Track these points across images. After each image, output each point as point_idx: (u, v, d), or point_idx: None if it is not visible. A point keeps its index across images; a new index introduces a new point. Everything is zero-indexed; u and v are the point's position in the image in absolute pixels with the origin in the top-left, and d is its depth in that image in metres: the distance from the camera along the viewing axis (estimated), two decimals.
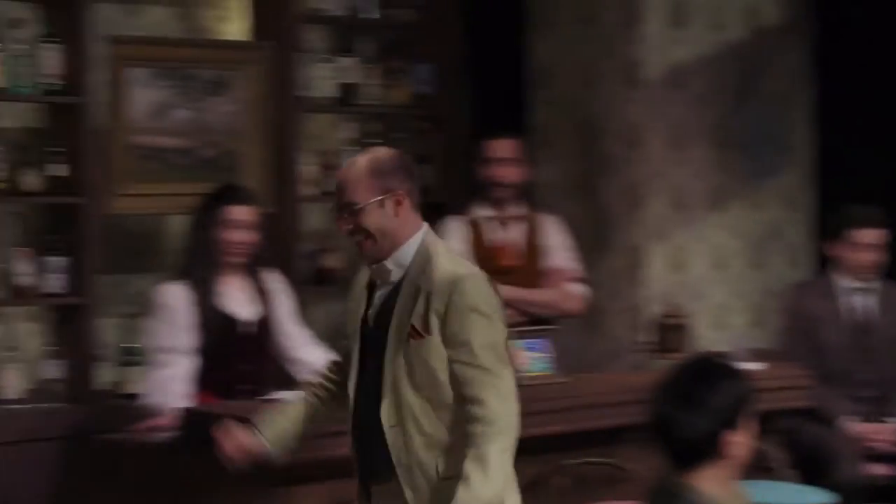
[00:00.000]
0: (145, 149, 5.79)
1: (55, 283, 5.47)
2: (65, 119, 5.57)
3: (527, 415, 3.36)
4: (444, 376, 3.50)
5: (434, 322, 3.49)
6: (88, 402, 5.45)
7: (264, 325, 5.02)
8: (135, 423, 4.79)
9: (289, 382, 4.94)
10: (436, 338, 3.49)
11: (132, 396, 5.27)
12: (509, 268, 5.52)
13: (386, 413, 3.54)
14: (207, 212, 4.93)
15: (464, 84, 6.53)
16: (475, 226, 5.60)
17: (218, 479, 4.31)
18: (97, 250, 5.55)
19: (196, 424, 4.46)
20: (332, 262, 6.28)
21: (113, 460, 4.81)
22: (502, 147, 5.58)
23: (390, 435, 3.54)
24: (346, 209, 3.57)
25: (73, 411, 5.40)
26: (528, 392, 4.74)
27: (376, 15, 6.41)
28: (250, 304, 5.01)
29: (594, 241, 6.39)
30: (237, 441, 3.83)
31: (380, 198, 3.56)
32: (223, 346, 4.92)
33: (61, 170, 5.50)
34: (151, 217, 5.96)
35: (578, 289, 5.66)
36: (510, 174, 5.58)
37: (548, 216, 5.76)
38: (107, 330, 5.67)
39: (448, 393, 3.51)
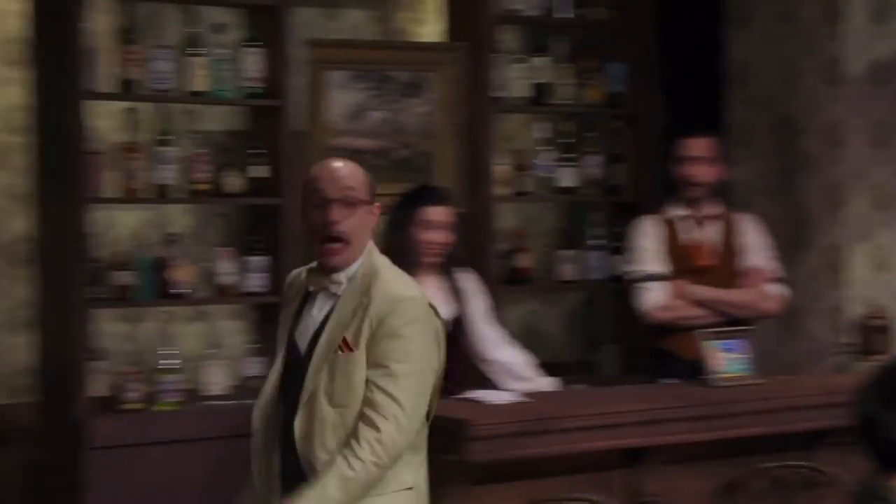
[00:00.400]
0: (342, 150, 5.87)
1: (256, 281, 5.59)
2: (265, 122, 5.69)
3: (724, 416, 3.31)
4: (361, 395, 3.38)
5: (364, 338, 3.38)
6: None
7: (458, 325, 5.05)
8: None
9: (483, 382, 4.97)
10: (362, 354, 3.38)
11: None
12: (705, 267, 5.44)
13: (298, 425, 3.40)
14: (404, 212, 4.98)
15: (657, 82, 6.47)
16: (670, 225, 5.54)
17: None
18: (296, 250, 5.64)
19: None
20: (525, 261, 6.28)
21: None
22: (696, 146, 5.51)
23: (300, 447, 3.40)
24: (345, 200, 3.42)
25: None
26: (725, 393, 4.72)
27: (570, 14, 6.39)
28: (444, 304, 5.04)
29: (793, 240, 6.28)
30: None
31: (371, 203, 3.50)
32: None
33: (262, 171, 5.62)
34: None
35: (776, 289, 5.55)
36: (704, 173, 5.50)
37: (745, 215, 5.66)
38: None
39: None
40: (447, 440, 4.25)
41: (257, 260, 5.60)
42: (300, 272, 3.61)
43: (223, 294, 5.56)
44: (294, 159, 5.64)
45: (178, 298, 5.42)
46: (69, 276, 5.07)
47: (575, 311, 6.71)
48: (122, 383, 5.21)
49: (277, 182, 5.62)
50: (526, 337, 6.06)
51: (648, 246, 5.46)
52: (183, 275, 5.39)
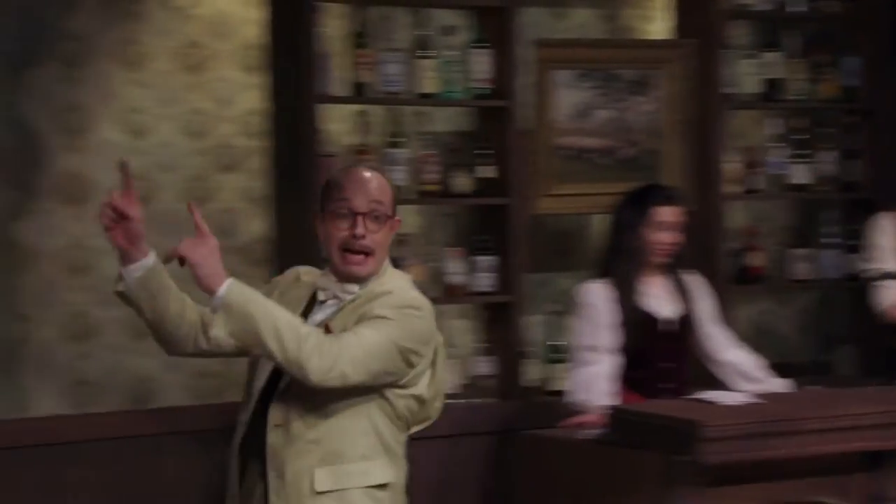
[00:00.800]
0: (568, 149, 5.87)
1: (485, 281, 5.63)
2: (493, 122, 5.72)
3: None
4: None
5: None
6: (517, 398, 5.57)
7: (685, 324, 4.99)
8: (562, 419, 4.86)
9: (711, 383, 4.90)
10: None
11: (559, 393, 5.35)
12: None
13: (274, 411, 3.36)
14: (634, 212, 4.95)
15: (894, 76, 6.28)
16: None
17: (645, 477, 4.33)
18: (523, 249, 5.66)
19: (623, 423, 4.48)
20: (757, 260, 6.17)
21: (540, 456, 4.88)
22: None
23: (272, 436, 3.35)
24: (372, 214, 3.40)
25: (502, 407, 5.53)
26: None
27: (803, 8, 6.26)
28: (671, 303, 4.99)
29: None
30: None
31: (394, 217, 3.48)
32: (644, 345, 4.93)
33: (489, 171, 5.65)
34: (574, 216, 6.03)
35: None
36: None
37: None
38: (534, 327, 5.78)
39: (345, 396, 3.34)
40: (678, 441, 4.21)
41: (485, 259, 5.63)
42: (298, 274, 3.59)
43: (452, 293, 5.61)
44: (520, 159, 5.65)
45: None
46: None
47: (809, 310, 6.57)
48: None
49: (505, 182, 5.64)
50: (757, 337, 5.96)
51: (886, 243, 5.32)
52: (414, 275, 5.45)
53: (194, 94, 5.47)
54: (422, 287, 5.40)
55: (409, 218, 5.86)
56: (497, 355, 5.62)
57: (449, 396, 5.44)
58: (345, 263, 3.40)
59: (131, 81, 5.38)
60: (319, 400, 3.33)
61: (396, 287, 3.44)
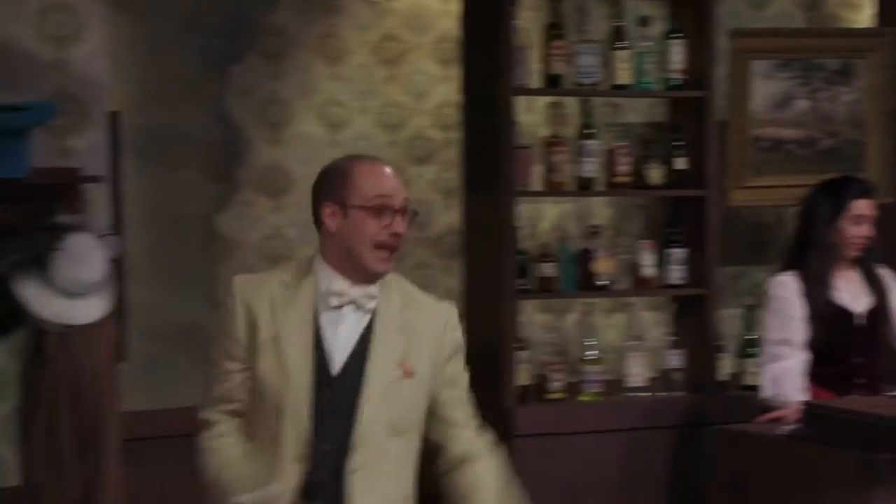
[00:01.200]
0: (765, 140, 5.79)
1: (677, 274, 5.60)
2: (687, 113, 5.68)
3: None
4: (422, 419, 3.25)
5: (425, 359, 3.20)
6: (707, 392, 5.53)
7: (876, 318, 4.90)
8: (755, 414, 4.81)
9: None
10: (423, 377, 3.21)
11: (751, 388, 5.30)
12: None
13: (356, 462, 3.14)
14: (829, 204, 4.87)
15: None
16: None
17: (842, 475, 4.26)
18: (717, 242, 5.61)
19: (819, 419, 4.43)
20: None
21: (734, 451, 4.83)
22: None
23: (357, 483, 3.14)
24: (404, 210, 3.19)
25: (692, 400, 5.50)
26: None
27: None
28: (862, 297, 4.90)
29: None
30: None
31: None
32: (837, 340, 4.85)
33: (683, 163, 5.61)
34: (770, 209, 5.96)
35: None
36: None
37: None
38: (727, 321, 5.73)
39: (420, 439, 3.24)
40: (878, 438, 4.13)
41: (677, 252, 5.60)
42: (267, 284, 3.24)
43: (643, 286, 5.60)
44: (715, 150, 5.60)
45: (600, 290, 5.49)
46: (497, 268, 5.23)
47: None
48: (546, 373, 5.34)
49: (699, 173, 5.60)
50: None
51: None
52: (604, 266, 5.46)
53: (391, 87, 5.57)
54: (614, 279, 5.49)
55: (601, 210, 5.88)
56: (687, 348, 5.59)
57: (637, 389, 5.47)
58: (377, 262, 3.17)
59: (330, 75, 5.50)
60: (406, 445, 3.24)
61: (405, 287, 3.30)
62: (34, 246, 4.24)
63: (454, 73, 5.60)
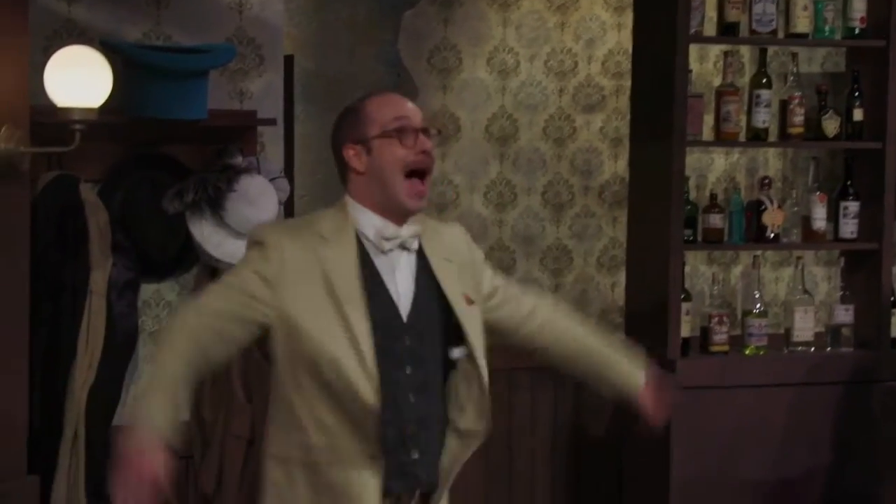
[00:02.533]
0: None
1: (849, 228, 5.49)
2: (867, 62, 5.53)
3: None
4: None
5: (470, 284, 3.14)
6: (877, 349, 5.43)
7: None
8: None
9: None
10: (477, 301, 3.15)
11: None
12: None
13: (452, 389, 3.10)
14: None
15: None
16: None
17: None
18: (893, 196, 5.48)
19: None
20: None
21: None
22: None
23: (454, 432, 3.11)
24: (427, 131, 3.08)
25: (860, 357, 5.41)
26: None
27: None
28: None
29: None
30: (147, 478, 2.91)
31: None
32: None
33: (860, 114, 5.48)
34: None
35: None
36: None
37: None
38: None
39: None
40: None
41: (850, 205, 5.49)
42: (303, 235, 3.05)
43: (814, 239, 5.50)
44: (894, 102, 5.46)
45: (769, 242, 5.41)
46: (664, 218, 5.19)
47: None
48: (710, 325, 5.29)
49: (876, 125, 5.47)
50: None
51: None
52: (774, 219, 5.38)
53: (561, 34, 5.55)
54: (783, 232, 5.40)
55: (773, 161, 5.78)
56: (857, 304, 5.49)
57: (804, 344, 5.39)
58: (411, 197, 3.04)
59: (501, 21, 5.49)
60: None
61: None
62: (209, 186, 4.34)
63: (626, 20, 5.55)
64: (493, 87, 5.44)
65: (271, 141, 4.57)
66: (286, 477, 3.05)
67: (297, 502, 3.04)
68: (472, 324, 3.09)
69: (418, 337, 3.06)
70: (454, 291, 3.08)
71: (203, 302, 3.07)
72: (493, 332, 3.21)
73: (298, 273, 3.00)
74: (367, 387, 2.96)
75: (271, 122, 4.45)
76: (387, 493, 3.03)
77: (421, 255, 3.09)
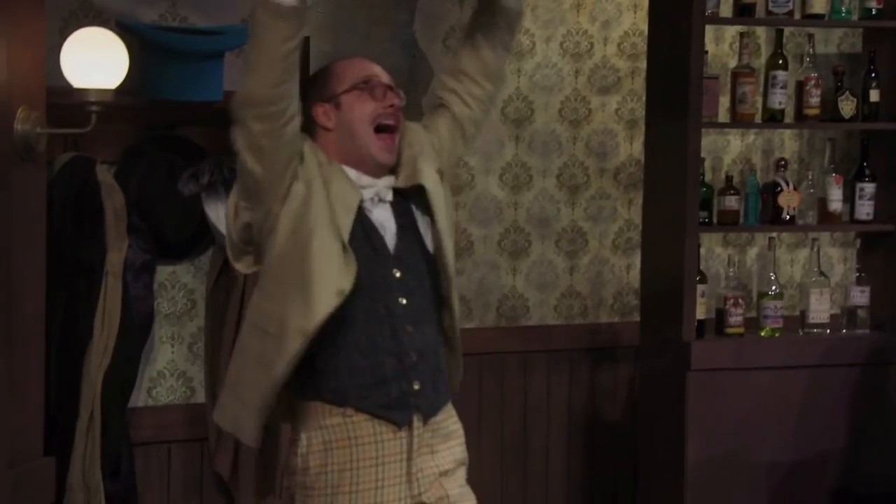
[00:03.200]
0: None
1: (865, 209, 5.48)
2: (883, 44, 5.52)
3: None
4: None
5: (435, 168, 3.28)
6: (893, 331, 5.42)
7: None
8: None
9: None
10: (446, 187, 3.31)
11: None
12: None
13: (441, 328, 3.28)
14: None
15: None
16: None
17: None
18: None
19: None
20: None
21: None
22: None
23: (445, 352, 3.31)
24: (396, 90, 3.27)
25: (877, 339, 5.40)
26: None
27: None
28: None
29: None
30: None
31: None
32: None
33: (876, 95, 5.46)
34: None
35: None
36: None
37: None
38: None
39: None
40: None
41: (866, 187, 5.47)
42: (313, 151, 3.19)
43: (830, 220, 5.48)
44: None
45: (785, 224, 5.40)
46: (679, 200, 5.17)
47: None
48: (725, 307, 5.29)
49: (890, 106, 5.45)
50: None
51: None
52: (790, 200, 5.37)
53: (577, 15, 5.53)
54: (799, 213, 5.38)
55: (789, 142, 5.77)
56: (873, 286, 5.48)
57: (819, 326, 5.39)
58: (381, 151, 3.21)
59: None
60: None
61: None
62: (224, 168, 4.34)
63: (642, 2, 5.53)
64: (509, 68, 5.41)
65: None
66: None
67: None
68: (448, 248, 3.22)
69: (406, 269, 3.19)
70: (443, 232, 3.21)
71: None
72: (468, 122, 3.39)
73: (316, 185, 3.13)
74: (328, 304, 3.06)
75: None
76: (391, 422, 3.13)
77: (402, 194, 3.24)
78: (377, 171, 3.21)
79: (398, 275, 3.17)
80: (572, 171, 5.57)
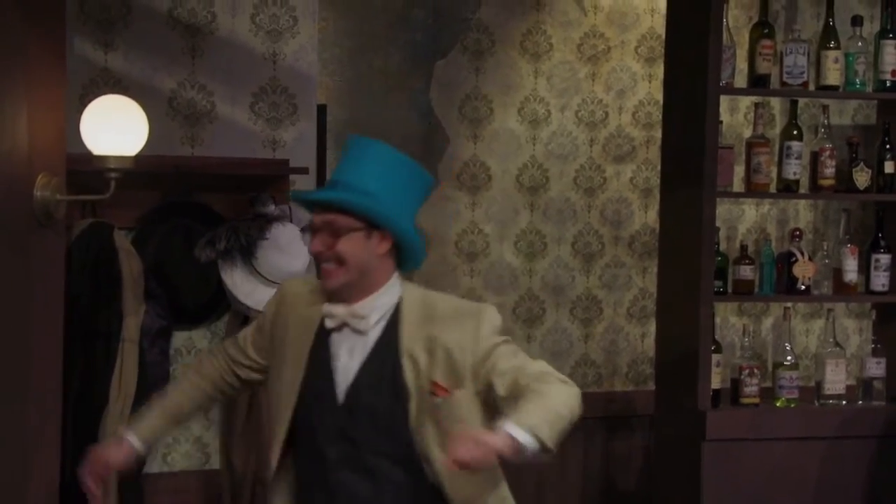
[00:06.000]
0: None
1: (881, 280, 5.47)
2: None
3: None
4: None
5: (461, 374, 2.97)
6: None
7: None
8: None
9: None
10: (466, 390, 2.98)
11: None
12: None
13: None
14: None
15: None
16: None
17: None
18: None
19: None
20: None
21: None
22: None
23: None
24: (324, 227, 3.04)
25: (893, 411, 5.37)
26: None
27: None
28: None
29: None
30: (100, 458, 3.25)
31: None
32: None
33: (891, 167, 5.48)
34: None
35: None
36: None
37: None
38: None
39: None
40: None
41: (882, 258, 5.47)
42: (298, 290, 3.14)
43: (845, 291, 5.48)
44: None
45: (800, 294, 5.40)
46: (694, 269, 5.18)
47: None
48: (740, 377, 5.27)
49: None
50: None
51: None
52: (805, 271, 5.37)
53: (592, 85, 5.57)
54: (814, 284, 5.38)
55: (804, 212, 5.78)
56: (889, 357, 5.46)
57: (836, 397, 5.36)
58: (322, 276, 3.05)
59: (532, 72, 5.52)
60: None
61: (424, 298, 3.07)
62: (241, 235, 4.35)
63: (657, 72, 5.57)
64: (524, 136, 5.45)
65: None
66: None
67: None
68: (427, 419, 2.98)
69: (353, 417, 3.02)
70: (417, 383, 2.99)
71: (217, 347, 3.34)
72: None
73: (279, 335, 3.11)
74: (276, 449, 3.08)
75: (303, 170, 4.47)
76: None
77: (390, 340, 3.03)
78: (336, 296, 3.06)
79: (340, 422, 3.07)
80: (587, 239, 5.59)
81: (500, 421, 2.85)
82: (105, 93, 4.14)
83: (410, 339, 3.00)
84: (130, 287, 4.22)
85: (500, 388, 2.98)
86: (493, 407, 3.02)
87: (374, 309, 3.02)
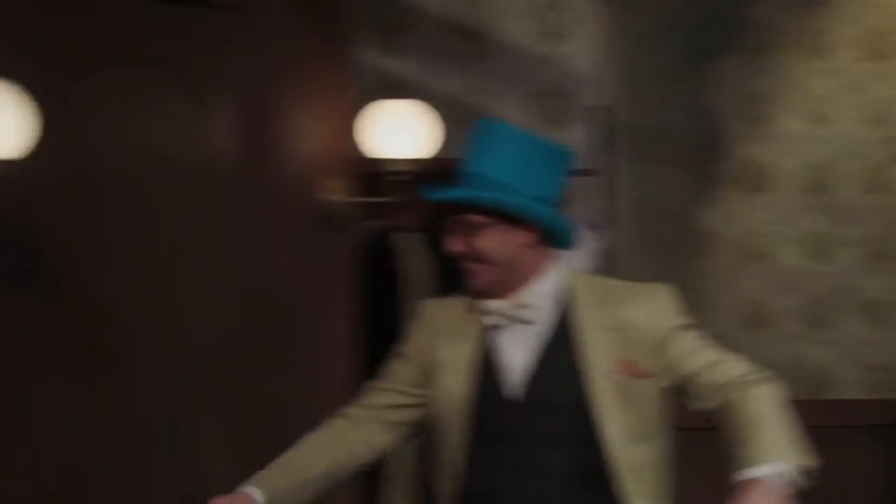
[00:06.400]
0: None
1: None
2: None
3: None
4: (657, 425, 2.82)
5: (646, 357, 2.79)
6: None
7: None
8: None
9: None
10: (655, 378, 2.80)
11: None
12: None
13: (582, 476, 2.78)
14: None
15: None
16: None
17: None
18: None
19: None
20: None
21: None
22: None
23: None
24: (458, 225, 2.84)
25: None
26: None
27: None
28: None
29: None
30: None
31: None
32: None
33: None
34: None
35: None
36: None
37: None
38: None
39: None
40: None
41: None
42: (438, 308, 2.95)
43: None
44: None
45: None
46: None
47: None
48: None
49: None
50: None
51: None
52: None
53: (878, 83, 5.43)
54: None
55: None
56: None
57: None
58: (466, 278, 2.88)
59: (814, 70, 5.41)
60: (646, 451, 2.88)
61: (597, 283, 2.91)
62: None
63: None
64: (806, 136, 5.34)
65: (589, 192, 4.58)
66: None
67: None
68: (614, 401, 2.83)
69: (530, 412, 2.85)
70: (596, 363, 2.84)
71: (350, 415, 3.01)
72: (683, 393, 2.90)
73: (432, 345, 2.92)
74: (453, 460, 2.87)
75: (588, 172, 4.46)
76: None
77: (566, 325, 2.87)
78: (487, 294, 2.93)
79: (511, 420, 2.90)
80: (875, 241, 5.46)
81: (751, 466, 2.62)
82: (385, 97, 4.19)
83: (588, 321, 2.84)
84: (414, 287, 4.28)
85: (704, 401, 2.79)
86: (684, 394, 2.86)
87: (540, 296, 2.84)
